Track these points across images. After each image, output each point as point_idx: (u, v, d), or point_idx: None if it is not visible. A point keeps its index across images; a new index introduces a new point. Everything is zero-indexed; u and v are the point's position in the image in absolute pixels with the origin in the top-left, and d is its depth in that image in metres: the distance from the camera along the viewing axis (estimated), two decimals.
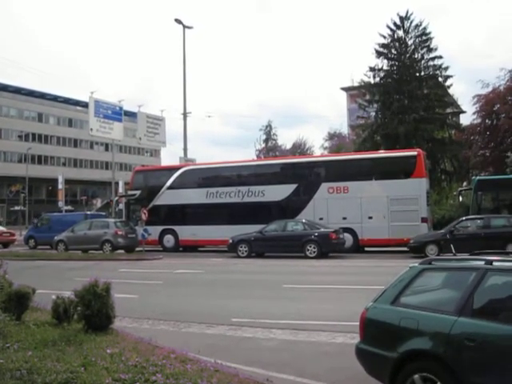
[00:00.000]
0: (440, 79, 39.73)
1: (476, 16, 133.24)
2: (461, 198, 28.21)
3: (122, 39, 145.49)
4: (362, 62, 71.65)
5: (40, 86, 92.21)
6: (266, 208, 25.80)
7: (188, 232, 27.40)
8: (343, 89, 70.60)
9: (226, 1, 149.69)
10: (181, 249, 28.21)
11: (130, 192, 30.90)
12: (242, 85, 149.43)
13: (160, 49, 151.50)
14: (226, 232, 24.74)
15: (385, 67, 40.17)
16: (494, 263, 4.86)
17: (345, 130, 66.52)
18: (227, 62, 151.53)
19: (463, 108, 47.90)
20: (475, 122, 38.10)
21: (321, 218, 24.40)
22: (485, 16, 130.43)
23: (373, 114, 41.65)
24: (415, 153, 24.39)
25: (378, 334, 5.35)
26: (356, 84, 50.66)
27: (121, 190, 53.27)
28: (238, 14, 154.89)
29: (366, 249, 24.67)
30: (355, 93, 53.22)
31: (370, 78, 40.56)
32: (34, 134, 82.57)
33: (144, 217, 26.13)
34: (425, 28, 39.22)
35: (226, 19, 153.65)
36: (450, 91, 42.52)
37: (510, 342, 4.31)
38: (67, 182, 59.44)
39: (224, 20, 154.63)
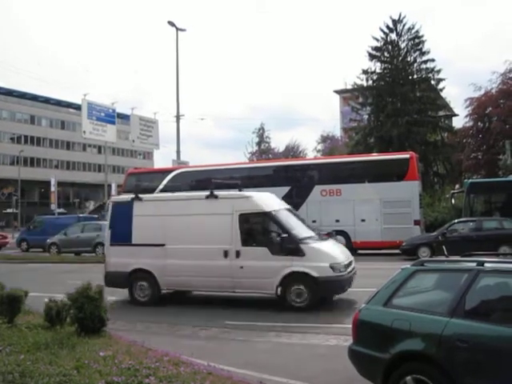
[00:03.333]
0: (432, 82, 39.94)
1: (470, 19, 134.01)
2: (453, 201, 28.26)
3: (115, 42, 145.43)
4: (354, 65, 72.14)
5: (33, 88, 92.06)
6: None
7: None
8: (336, 91, 70.75)
9: (220, 3, 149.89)
10: None
11: (122, 195, 30.79)
12: (236, 87, 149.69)
13: (153, 51, 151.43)
14: None
15: (378, 70, 40.34)
16: (486, 265, 4.89)
17: (338, 132, 66.67)
18: (221, 65, 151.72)
19: (456, 111, 48.09)
20: (467, 124, 38.31)
21: (314, 221, 24.31)
22: (478, 19, 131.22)
23: (366, 116, 41.81)
24: (408, 156, 24.46)
25: (370, 336, 5.37)
26: (349, 87, 50.77)
27: (114, 192, 53.06)
28: (231, 16, 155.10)
29: (359, 251, 24.61)
30: (348, 95, 53.33)
31: (362, 80, 40.72)
32: (26, 137, 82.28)
33: None
34: (417, 31, 39.46)
35: (220, 22, 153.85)
36: (443, 94, 42.78)
37: (501, 343, 4.34)
38: (60, 184, 59.21)
39: (218, 22, 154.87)
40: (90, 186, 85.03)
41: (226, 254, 11.30)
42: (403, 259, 19.57)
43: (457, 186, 37.36)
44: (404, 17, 39.65)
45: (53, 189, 53.11)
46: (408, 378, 4.76)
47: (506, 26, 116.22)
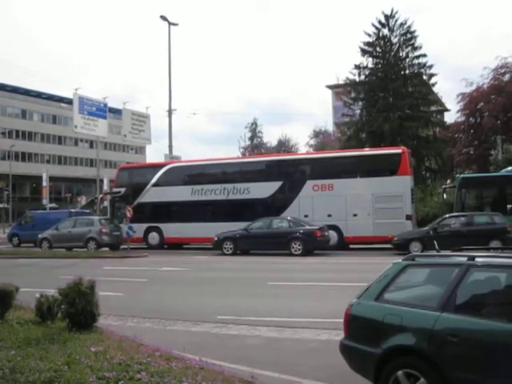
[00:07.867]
0: (424, 77, 40.04)
1: (463, 15, 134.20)
2: (445, 196, 28.39)
3: (107, 36, 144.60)
4: (347, 60, 72.22)
5: (24, 83, 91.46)
6: (251, 205, 25.79)
7: (173, 229, 27.30)
8: (328, 86, 70.78)
9: None
10: (166, 246, 28.11)
11: (114, 189, 30.73)
12: (229, 82, 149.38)
13: (146, 46, 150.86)
14: (211, 229, 24.67)
15: (370, 65, 40.42)
16: (477, 259, 4.90)
17: (330, 127, 66.75)
18: (213, 60, 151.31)
19: (448, 106, 48.36)
20: (459, 120, 38.56)
21: (306, 216, 24.44)
22: (472, 15, 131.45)
23: (358, 111, 41.89)
24: (400, 150, 24.54)
25: (362, 331, 5.37)
26: (341, 82, 50.84)
27: (105, 187, 52.94)
28: (225, 10, 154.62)
29: (351, 246, 24.75)
30: (340, 90, 53.39)
31: (355, 75, 40.82)
32: (17, 131, 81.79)
33: (129, 214, 25.98)
34: (409, 26, 39.56)
35: (213, 16, 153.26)
36: (435, 89, 42.93)
37: (492, 337, 4.35)
38: (51, 179, 58.90)
39: (211, 17, 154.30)
40: (82, 181, 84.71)
41: None
42: (395, 254, 19.64)
43: (448, 181, 37.58)
44: (396, 12, 39.83)
45: (44, 184, 52.87)
46: (399, 373, 4.76)
47: (498, 22, 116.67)
